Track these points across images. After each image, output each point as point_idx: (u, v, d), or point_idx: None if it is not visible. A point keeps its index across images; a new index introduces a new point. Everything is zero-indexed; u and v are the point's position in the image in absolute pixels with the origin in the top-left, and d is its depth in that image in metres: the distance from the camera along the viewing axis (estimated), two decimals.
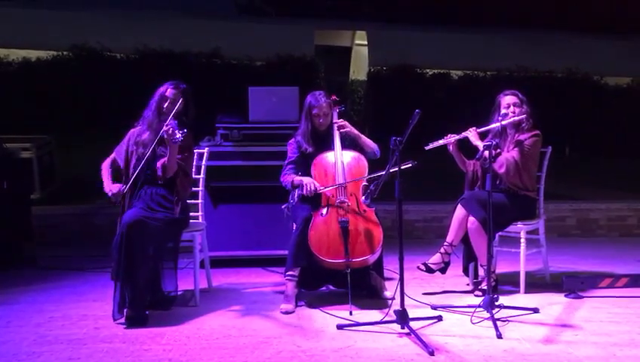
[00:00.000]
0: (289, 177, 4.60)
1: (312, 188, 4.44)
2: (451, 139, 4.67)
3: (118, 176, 4.35)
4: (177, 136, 4.05)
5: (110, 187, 4.26)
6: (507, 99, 4.70)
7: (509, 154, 4.59)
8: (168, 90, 4.37)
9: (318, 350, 3.64)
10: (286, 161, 4.69)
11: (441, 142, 4.65)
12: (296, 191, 4.59)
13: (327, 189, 4.47)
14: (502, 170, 4.56)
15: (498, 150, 4.58)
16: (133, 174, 4.22)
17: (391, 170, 3.99)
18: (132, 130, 4.40)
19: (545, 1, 15.06)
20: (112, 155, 4.42)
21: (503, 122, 4.59)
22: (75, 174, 8.00)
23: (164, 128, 4.11)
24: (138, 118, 4.42)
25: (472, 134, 4.67)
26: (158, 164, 4.24)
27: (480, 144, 4.56)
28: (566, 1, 14.97)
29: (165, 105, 4.32)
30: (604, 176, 9.30)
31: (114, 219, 4.38)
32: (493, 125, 4.68)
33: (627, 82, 12.62)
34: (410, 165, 4.13)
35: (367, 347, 3.68)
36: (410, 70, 12.03)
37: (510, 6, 14.70)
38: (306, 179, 4.50)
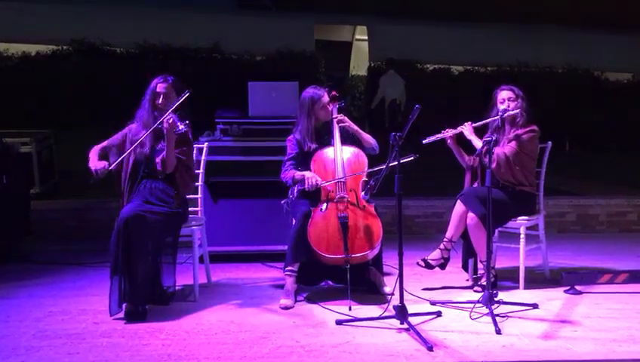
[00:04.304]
0: (289, 173, 4.59)
1: (314, 182, 4.43)
2: (448, 133, 4.69)
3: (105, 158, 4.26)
4: (181, 128, 4.05)
5: (95, 164, 4.11)
6: (503, 94, 4.69)
7: (500, 150, 4.59)
8: (158, 85, 4.31)
9: (317, 345, 3.64)
10: (285, 158, 4.67)
11: (438, 136, 4.67)
12: (296, 186, 4.58)
13: (328, 183, 4.47)
14: (492, 165, 4.55)
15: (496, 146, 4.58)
16: (128, 171, 4.21)
17: (391, 164, 3.99)
18: (129, 126, 4.36)
19: None
20: (104, 143, 4.31)
21: (499, 117, 4.59)
22: (74, 169, 7.98)
23: (165, 119, 4.09)
24: (133, 117, 4.35)
25: (466, 129, 4.69)
26: (158, 159, 4.22)
27: (474, 138, 4.61)
28: None
29: (160, 101, 4.28)
30: (604, 172, 9.29)
31: (113, 214, 4.37)
32: (488, 120, 4.70)
33: (627, 78, 12.63)
34: (412, 158, 4.12)
35: (366, 342, 3.68)
36: (410, 65, 12.02)
37: (511, 2, 14.67)
38: (307, 174, 4.49)
